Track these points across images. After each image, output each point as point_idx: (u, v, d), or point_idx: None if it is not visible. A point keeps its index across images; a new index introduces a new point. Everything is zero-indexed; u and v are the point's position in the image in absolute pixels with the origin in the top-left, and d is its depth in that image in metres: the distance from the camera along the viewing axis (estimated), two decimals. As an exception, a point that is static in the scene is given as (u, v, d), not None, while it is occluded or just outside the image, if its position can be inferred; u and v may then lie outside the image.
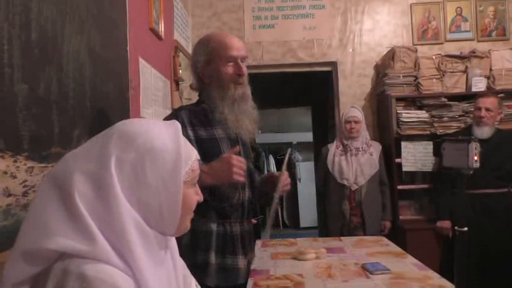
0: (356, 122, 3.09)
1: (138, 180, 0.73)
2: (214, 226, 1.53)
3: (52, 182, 0.72)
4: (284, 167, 1.63)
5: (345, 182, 3.04)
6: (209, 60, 1.57)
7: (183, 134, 0.81)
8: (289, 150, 1.57)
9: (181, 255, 0.92)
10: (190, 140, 1.43)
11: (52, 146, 1.31)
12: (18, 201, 1.12)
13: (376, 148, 3.17)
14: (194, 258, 1.49)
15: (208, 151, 1.50)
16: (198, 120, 1.55)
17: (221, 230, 1.54)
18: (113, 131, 0.76)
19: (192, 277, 0.97)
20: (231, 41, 1.58)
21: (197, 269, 0.98)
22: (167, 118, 1.60)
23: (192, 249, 1.51)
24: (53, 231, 0.67)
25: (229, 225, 1.55)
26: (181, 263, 0.91)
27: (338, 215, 3.04)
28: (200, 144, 1.49)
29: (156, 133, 0.76)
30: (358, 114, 3.13)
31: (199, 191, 0.85)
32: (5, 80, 1.10)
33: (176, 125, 0.81)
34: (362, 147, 3.11)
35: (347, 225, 3.01)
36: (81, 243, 0.67)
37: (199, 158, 0.84)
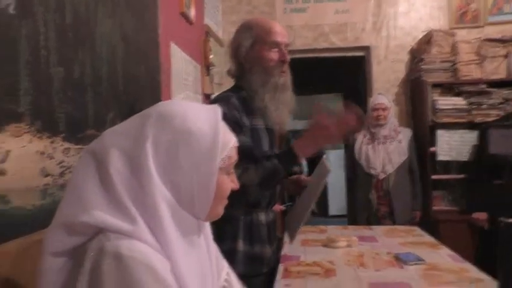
0: (383, 109, 2.99)
1: (171, 162, 0.73)
2: (241, 214, 1.52)
3: (91, 156, 0.74)
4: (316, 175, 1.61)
5: (372, 171, 2.96)
6: (253, 44, 1.53)
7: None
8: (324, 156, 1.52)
9: None
10: (246, 128, 1.42)
11: (87, 128, 1.33)
12: (55, 181, 1.15)
13: (405, 134, 3.06)
14: (221, 246, 1.49)
15: (252, 141, 1.47)
16: (242, 108, 1.51)
17: (248, 219, 1.52)
18: (153, 111, 0.76)
19: (225, 262, 0.96)
20: (276, 26, 1.55)
21: (224, 256, 0.97)
22: (214, 101, 1.54)
23: (219, 236, 1.49)
24: (91, 205, 0.69)
25: (256, 214, 1.54)
26: (214, 247, 0.91)
27: (365, 204, 2.98)
28: (250, 133, 1.47)
29: (194, 116, 0.76)
30: (385, 101, 3.02)
31: (235, 179, 0.84)
32: (41, 63, 1.12)
33: (217, 109, 0.80)
34: (390, 135, 3.01)
35: (373, 214, 2.94)
36: (122, 220, 0.68)
37: (237, 145, 0.83)
